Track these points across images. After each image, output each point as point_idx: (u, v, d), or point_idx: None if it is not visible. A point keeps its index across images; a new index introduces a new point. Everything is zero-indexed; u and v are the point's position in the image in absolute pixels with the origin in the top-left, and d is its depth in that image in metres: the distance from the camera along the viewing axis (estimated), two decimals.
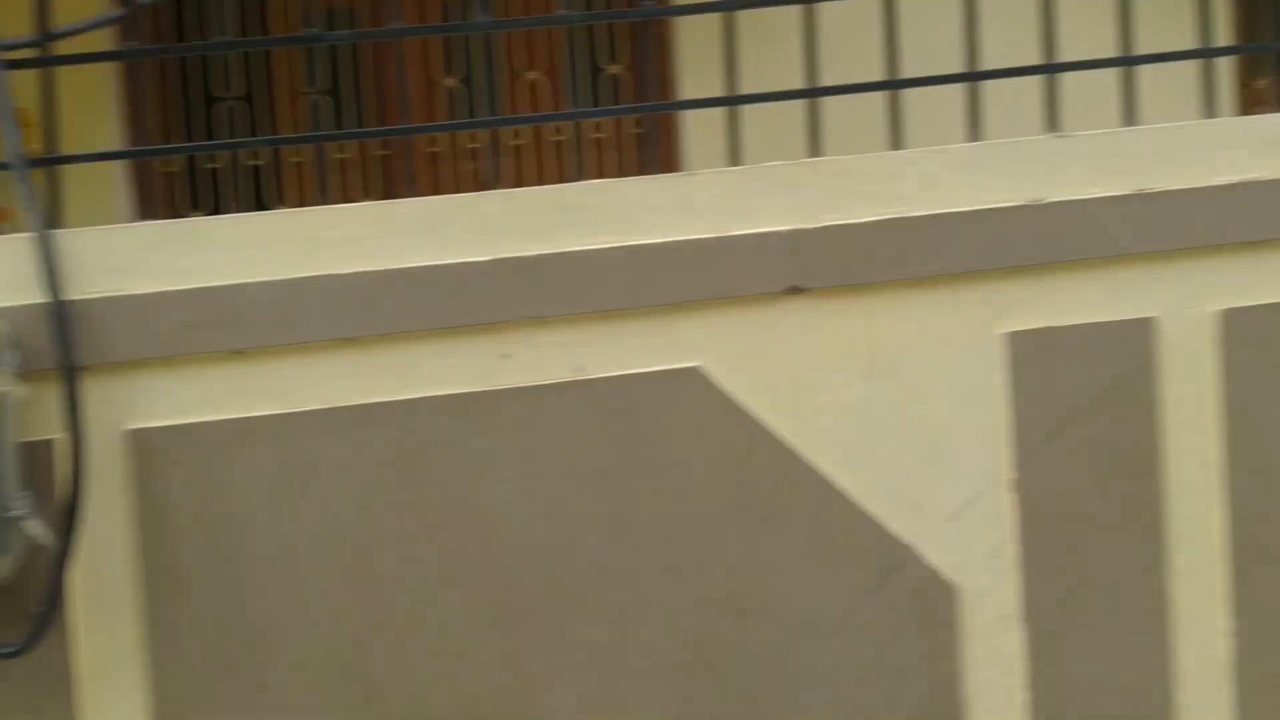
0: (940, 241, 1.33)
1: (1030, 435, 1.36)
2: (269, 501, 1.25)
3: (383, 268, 1.26)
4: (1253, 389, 1.39)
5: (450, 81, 3.99)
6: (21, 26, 1.34)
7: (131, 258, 1.23)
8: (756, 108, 1.48)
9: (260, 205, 3.77)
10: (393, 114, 3.79)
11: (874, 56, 1.55)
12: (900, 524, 1.37)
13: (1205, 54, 1.52)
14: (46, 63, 1.33)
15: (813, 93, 1.44)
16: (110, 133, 3.56)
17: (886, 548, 1.37)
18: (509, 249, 1.29)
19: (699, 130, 3.77)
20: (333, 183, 3.79)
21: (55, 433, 1.18)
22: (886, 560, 1.37)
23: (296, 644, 1.25)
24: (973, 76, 1.45)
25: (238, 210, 3.15)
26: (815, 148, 1.43)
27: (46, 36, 1.32)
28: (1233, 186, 1.38)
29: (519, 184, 3.59)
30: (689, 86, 3.83)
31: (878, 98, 1.47)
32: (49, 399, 1.17)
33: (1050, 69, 1.43)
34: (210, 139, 3.69)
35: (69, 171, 1.36)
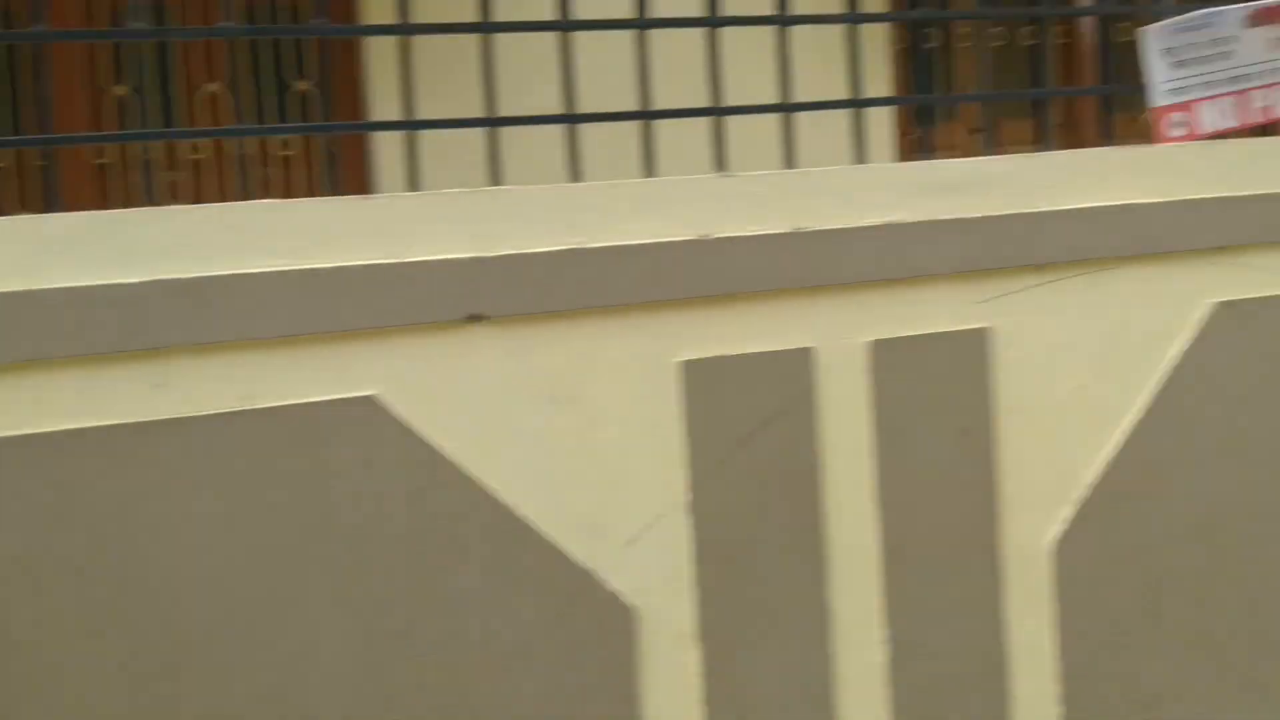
0: (617, 273, 1.36)
1: (704, 461, 1.41)
2: None
3: (22, 289, 1.15)
4: (900, 414, 1.50)
5: (120, 90, 3.71)
6: None
7: None
8: (447, 132, 1.46)
9: None
10: (57, 122, 3.49)
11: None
12: (581, 550, 1.38)
13: (858, 104, 1.64)
14: None
15: (490, 122, 1.45)
16: None
17: (568, 574, 1.37)
18: (168, 270, 1.20)
19: (390, 152, 3.71)
20: None
21: None
22: (568, 587, 1.37)
23: None
24: (646, 115, 1.50)
25: None
26: (495, 177, 1.43)
27: None
28: (882, 227, 1.48)
29: (199, 200, 3.39)
30: (380, 108, 3.75)
31: (556, 130, 1.49)
32: None
33: (716, 112, 1.50)
34: None
35: None
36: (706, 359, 1.40)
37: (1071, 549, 1.56)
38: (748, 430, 1.42)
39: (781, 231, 1.42)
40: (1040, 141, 1.77)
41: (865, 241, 1.46)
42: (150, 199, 1.61)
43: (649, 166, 1.48)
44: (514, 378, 1.34)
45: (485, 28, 1.49)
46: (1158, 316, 1.59)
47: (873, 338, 1.47)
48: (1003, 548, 1.53)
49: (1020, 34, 3.99)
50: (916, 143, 4.13)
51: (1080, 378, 1.57)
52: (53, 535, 1.15)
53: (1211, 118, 1.65)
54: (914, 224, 1.49)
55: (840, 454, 1.47)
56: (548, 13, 1.56)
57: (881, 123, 3.97)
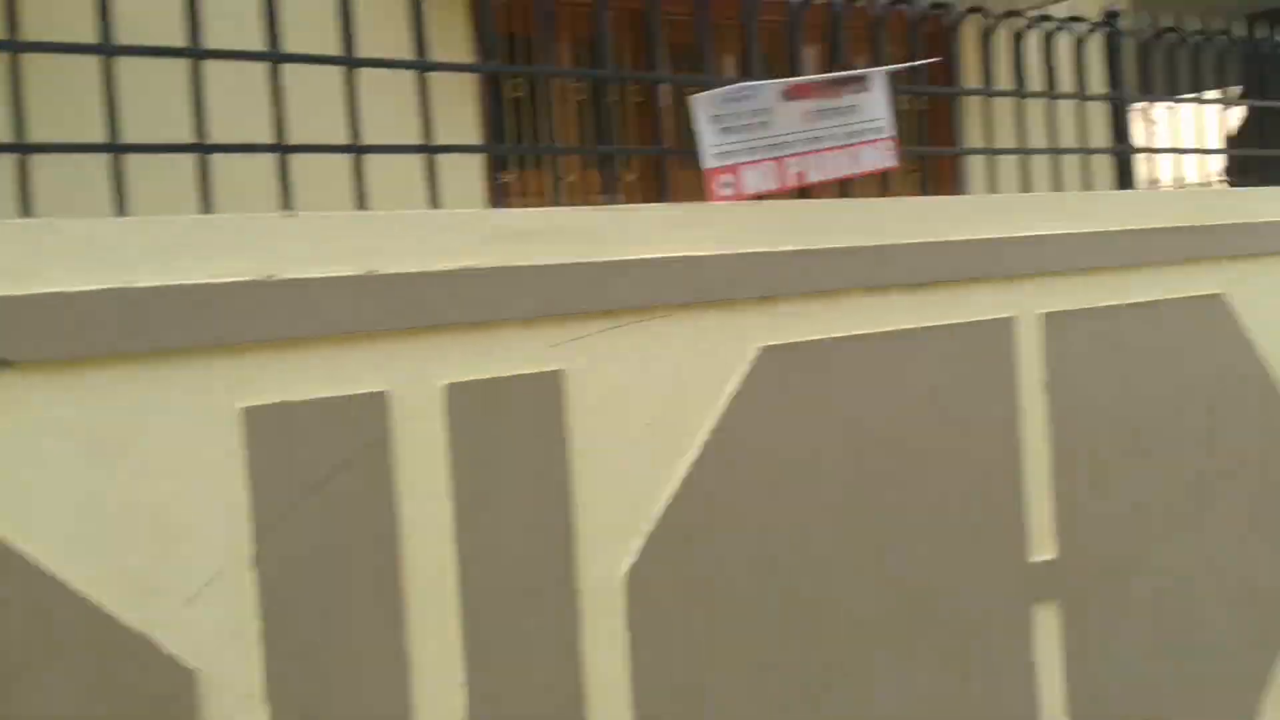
0: (169, 315, 1.28)
1: (269, 511, 1.35)
2: None
3: None
4: (477, 456, 1.51)
5: None
6: None
7: None
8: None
9: None
10: None
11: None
12: (135, 613, 1.27)
13: (429, 150, 1.66)
14: None
15: (20, 149, 1.32)
16: None
17: (120, 640, 1.26)
18: None
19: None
20: None
21: None
22: (121, 653, 1.26)
23: None
24: (203, 149, 1.43)
25: None
26: (26, 208, 1.30)
27: None
28: (457, 272, 1.50)
29: None
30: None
31: (102, 160, 1.38)
32: None
33: (281, 149, 1.45)
34: None
35: None
36: (271, 405, 1.35)
37: (642, 580, 1.64)
38: (318, 478, 1.38)
39: (352, 274, 1.40)
40: (608, 193, 1.87)
41: (440, 285, 1.47)
42: None
43: (207, 202, 1.40)
44: (48, 430, 1.22)
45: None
46: (714, 359, 1.73)
47: (448, 381, 1.48)
48: (579, 583, 1.58)
49: (603, 90, 4.19)
50: (502, 189, 4.22)
51: (648, 416, 1.66)
52: None
53: (754, 180, 1.82)
54: (489, 269, 1.52)
55: (417, 498, 1.46)
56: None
57: (471, 167, 4.03)
